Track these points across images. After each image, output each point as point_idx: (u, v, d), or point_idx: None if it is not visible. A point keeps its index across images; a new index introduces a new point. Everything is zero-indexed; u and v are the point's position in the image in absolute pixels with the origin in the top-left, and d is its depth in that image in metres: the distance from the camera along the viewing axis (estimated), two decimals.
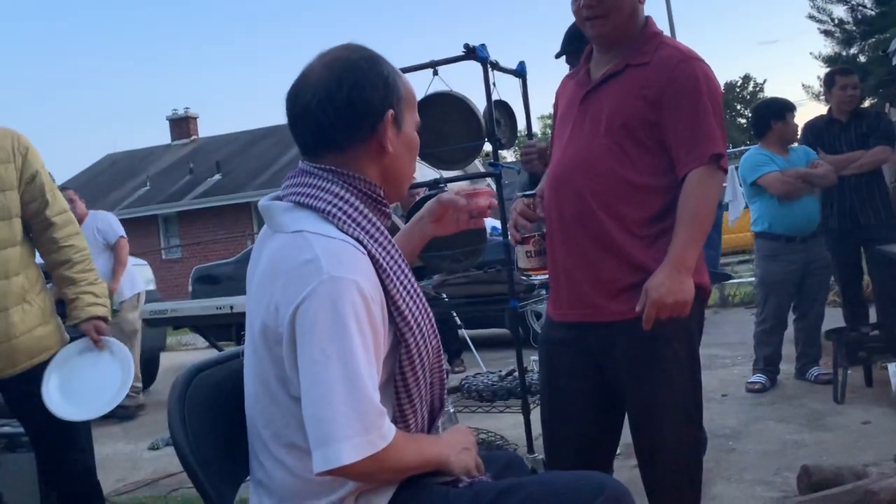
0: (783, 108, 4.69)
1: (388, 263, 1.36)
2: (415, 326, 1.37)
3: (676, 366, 1.95)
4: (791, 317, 4.74)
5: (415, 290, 1.41)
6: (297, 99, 1.40)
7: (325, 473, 1.25)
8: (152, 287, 6.78)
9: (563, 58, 3.00)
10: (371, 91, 1.38)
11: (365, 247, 1.34)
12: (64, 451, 2.47)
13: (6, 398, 2.47)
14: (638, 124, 1.91)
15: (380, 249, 1.36)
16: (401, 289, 1.37)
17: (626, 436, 2.11)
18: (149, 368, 6.92)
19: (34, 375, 2.38)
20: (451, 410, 1.53)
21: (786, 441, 3.62)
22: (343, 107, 1.37)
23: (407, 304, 1.37)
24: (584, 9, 1.97)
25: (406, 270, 1.41)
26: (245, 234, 18.67)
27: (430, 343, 1.42)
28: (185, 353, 9.82)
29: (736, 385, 4.79)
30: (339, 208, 1.36)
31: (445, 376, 1.50)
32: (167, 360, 7.51)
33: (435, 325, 1.45)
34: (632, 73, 1.95)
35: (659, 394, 1.94)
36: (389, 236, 1.42)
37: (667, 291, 1.82)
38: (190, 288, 8.96)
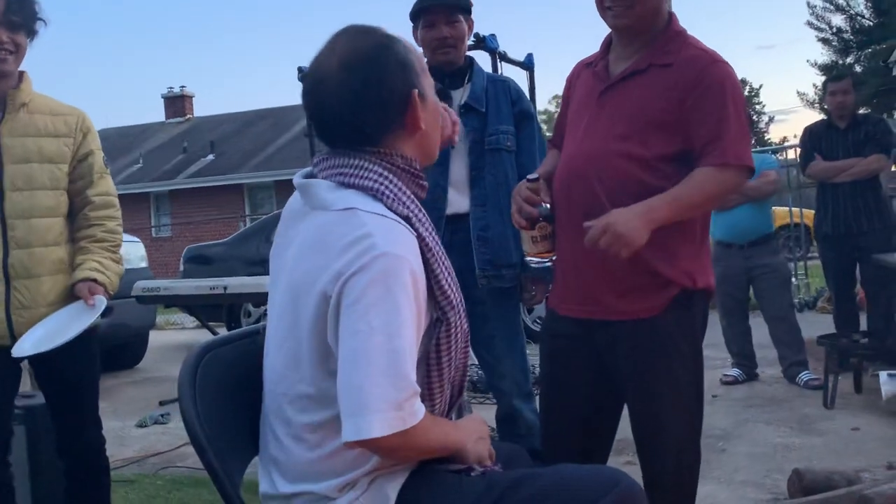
0: None
1: (432, 244, 1.38)
2: (456, 305, 1.40)
3: (680, 362, 1.95)
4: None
5: (451, 272, 1.43)
6: (325, 108, 1.40)
7: (354, 444, 1.26)
8: (144, 264, 6.73)
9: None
10: (393, 80, 1.38)
11: (414, 227, 1.36)
12: (81, 425, 2.47)
13: (31, 364, 2.43)
14: (659, 126, 1.89)
15: (424, 230, 1.38)
16: (444, 269, 1.39)
17: (620, 431, 2.12)
18: (137, 346, 6.89)
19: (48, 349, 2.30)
20: (466, 399, 1.53)
21: (776, 444, 3.65)
22: (374, 105, 1.37)
23: (448, 284, 1.39)
24: None
25: (443, 251, 1.43)
26: (237, 216, 18.57)
27: (464, 324, 1.44)
28: (173, 333, 9.78)
29: (726, 386, 4.82)
30: (387, 188, 1.37)
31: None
32: (155, 338, 7.47)
33: (465, 308, 1.46)
34: (655, 73, 1.92)
35: (661, 389, 1.94)
36: (428, 216, 1.44)
37: (624, 222, 1.77)
38: (181, 267, 8.90)
